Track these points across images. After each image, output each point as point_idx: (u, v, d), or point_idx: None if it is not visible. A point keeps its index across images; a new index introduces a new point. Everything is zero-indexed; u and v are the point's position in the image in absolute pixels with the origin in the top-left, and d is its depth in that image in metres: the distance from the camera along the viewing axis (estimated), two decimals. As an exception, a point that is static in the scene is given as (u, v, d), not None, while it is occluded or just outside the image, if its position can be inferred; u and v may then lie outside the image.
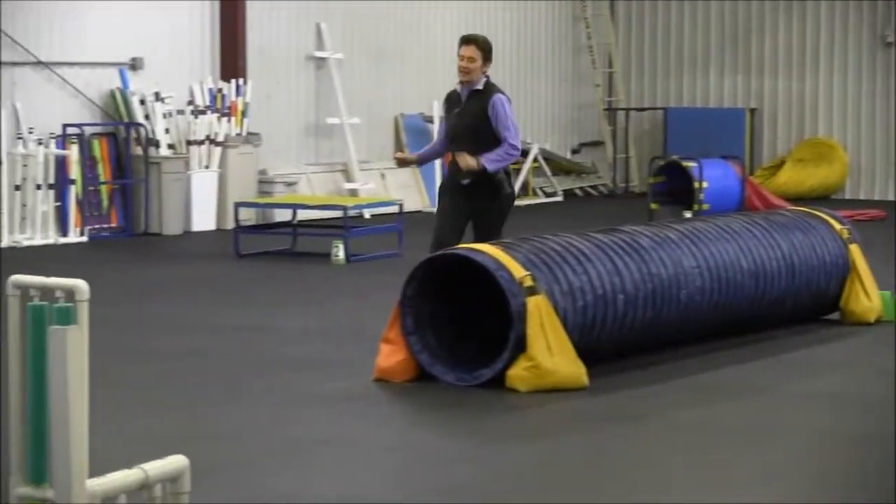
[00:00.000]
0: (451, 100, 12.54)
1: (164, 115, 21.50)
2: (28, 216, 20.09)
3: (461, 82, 12.33)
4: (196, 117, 21.77)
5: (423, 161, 13.24)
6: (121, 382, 10.91)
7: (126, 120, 21.36)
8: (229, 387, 10.99)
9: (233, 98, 22.32)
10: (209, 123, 21.91)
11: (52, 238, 20.20)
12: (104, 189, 21.17)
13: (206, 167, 21.90)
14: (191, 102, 21.88)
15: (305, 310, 14.77)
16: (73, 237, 20.48)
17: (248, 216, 21.16)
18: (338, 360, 11.81)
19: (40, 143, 20.17)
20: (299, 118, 24.13)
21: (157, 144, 21.40)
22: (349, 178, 24.41)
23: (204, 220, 21.82)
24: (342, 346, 12.28)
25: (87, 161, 20.93)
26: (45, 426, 7.42)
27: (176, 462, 4.04)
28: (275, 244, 19.36)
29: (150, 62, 21.81)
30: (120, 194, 21.33)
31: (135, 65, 21.70)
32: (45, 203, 20.21)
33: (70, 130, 20.74)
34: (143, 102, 21.41)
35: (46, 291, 7.46)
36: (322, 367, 11.58)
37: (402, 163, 13.45)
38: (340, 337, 12.60)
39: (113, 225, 21.19)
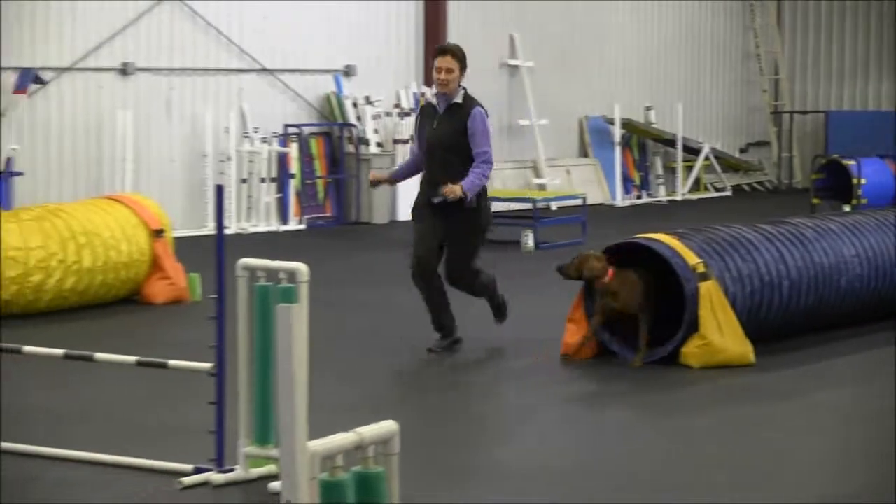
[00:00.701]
0: (427, 113, 11.07)
1: (374, 117, 21.65)
2: (253, 206, 20.36)
3: (438, 94, 10.91)
4: (401, 119, 21.88)
5: (397, 179, 11.69)
6: (336, 355, 11.01)
7: (340, 121, 21.54)
8: (429, 362, 11.03)
9: (434, 102, 22.42)
10: (413, 125, 22.02)
11: (274, 226, 20.45)
12: (320, 182, 21.37)
13: (412, 163, 22.01)
14: (397, 105, 22.01)
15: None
16: (293, 225, 20.71)
17: (448, 207, 21.21)
18: (528, 338, 11.79)
19: (264, 142, 20.45)
20: (493, 120, 24.14)
21: (366, 143, 21.56)
22: (538, 174, 24.40)
23: (408, 210, 21.88)
24: (532, 326, 12.26)
25: (306, 157, 21.16)
26: (270, 393, 7.54)
27: (387, 426, 4.07)
28: (471, 233, 19.37)
29: (361, 70, 21.97)
30: (334, 187, 21.51)
31: (348, 72, 21.86)
32: (268, 194, 20.48)
33: (290, 130, 20.98)
34: (355, 105, 21.58)
35: (271, 273, 7.58)
36: (513, 344, 11.58)
37: (374, 183, 11.50)
38: (529, 317, 12.59)
39: (328, 214, 21.37)
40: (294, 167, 20.83)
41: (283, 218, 20.74)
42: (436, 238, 10.87)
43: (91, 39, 18.98)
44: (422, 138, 11.02)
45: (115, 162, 19.06)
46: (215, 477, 7.61)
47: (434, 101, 10.98)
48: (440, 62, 10.73)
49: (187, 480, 7.58)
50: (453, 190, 10.60)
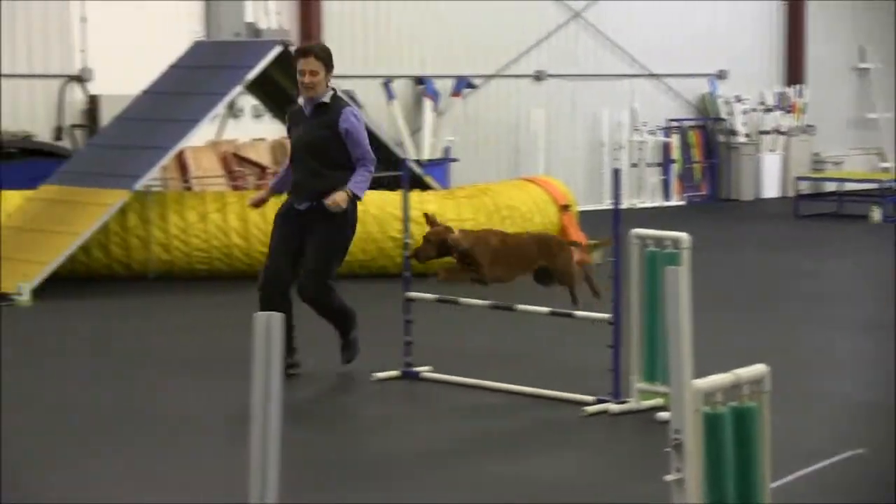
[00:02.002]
0: (294, 116, 8.51)
1: (743, 113, 21.27)
2: (641, 186, 20.32)
3: (304, 98, 8.40)
4: (766, 114, 21.45)
5: (278, 191, 8.71)
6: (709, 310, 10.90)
7: (713, 116, 21.25)
8: (787, 310, 10.79)
9: (794, 99, 21.87)
10: (775, 118, 21.53)
11: (659, 202, 20.36)
12: (697, 167, 21.12)
13: (772, 151, 21.52)
14: (762, 103, 21.55)
15: (845, 258, 14.39)
16: (674, 202, 20.56)
17: (804, 187, 20.65)
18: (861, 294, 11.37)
19: (651, 133, 20.40)
20: (845, 114, 23.39)
21: (735, 134, 21.20)
22: (882, 159, 23.50)
23: (770, 189, 21.45)
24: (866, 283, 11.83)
25: (684, 146, 20.96)
26: (656, 339, 7.51)
27: (758, 369, 3.99)
28: (825, 209, 18.86)
29: (733, 73, 21.59)
30: (708, 170, 21.23)
31: (721, 75, 21.52)
32: (653, 176, 20.43)
33: (672, 124, 20.84)
34: (726, 103, 21.25)
35: (658, 241, 7.53)
36: (845, 298, 11.18)
37: (257, 205, 8.84)
38: (869, 277, 12.14)
39: (703, 193, 21.10)
40: (675, 154, 20.72)
41: (666, 195, 20.63)
42: (291, 253, 8.36)
43: (511, 52, 19.24)
44: (293, 142, 8.50)
45: (529, 150, 19.31)
46: (613, 407, 7.63)
47: (301, 103, 8.48)
48: (303, 65, 8.28)
49: (590, 409, 7.63)
50: (335, 201, 8.14)
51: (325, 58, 8.32)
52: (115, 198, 11.88)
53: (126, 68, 15.13)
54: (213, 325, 10.56)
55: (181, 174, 15.50)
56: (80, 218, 11.79)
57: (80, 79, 15.60)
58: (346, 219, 8.26)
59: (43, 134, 15.21)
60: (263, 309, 7.76)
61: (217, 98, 12.65)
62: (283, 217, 8.44)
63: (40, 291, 11.21)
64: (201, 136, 14.60)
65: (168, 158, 12.80)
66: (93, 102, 15.59)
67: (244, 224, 12.57)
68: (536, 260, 8.37)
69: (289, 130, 8.57)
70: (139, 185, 12.05)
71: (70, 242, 11.67)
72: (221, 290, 12.03)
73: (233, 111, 16.54)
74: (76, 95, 15.64)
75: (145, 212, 12.44)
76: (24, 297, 11.09)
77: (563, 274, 8.39)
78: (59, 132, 15.41)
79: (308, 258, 8.27)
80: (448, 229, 8.31)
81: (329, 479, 6.47)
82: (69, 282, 11.96)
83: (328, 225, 8.23)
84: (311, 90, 8.29)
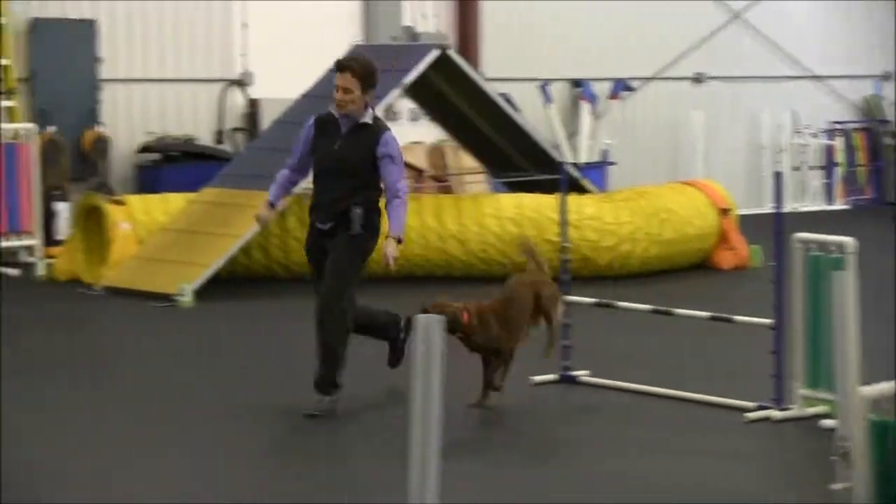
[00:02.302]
0: (327, 127, 7.79)
1: (910, 114, 20.86)
2: (804, 189, 19.98)
3: (340, 113, 7.72)
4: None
5: (275, 204, 8.12)
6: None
7: (878, 118, 20.80)
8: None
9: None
10: None
11: (821, 205, 20.00)
12: (861, 170, 20.70)
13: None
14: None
15: None
16: (837, 205, 20.18)
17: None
18: None
19: (813, 136, 20.04)
20: None
21: (902, 136, 20.78)
22: None
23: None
24: None
25: (849, 149, 20.55)
26: (820, 344, 7.36)
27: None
28: None
29: (897, 74, 21.18)
30: (873, 173, 20.78)
31: (886, 76, 21.05)
32: (815, 179, 20.07)
33: (835, 126, 20.44)
34: (892, 105, 20.81)
35: (822, 245, 7.38)
36: None
37: (263, 222, 8.20)
38: None
39: (867, 196, 20.67)
40: (839, 157, 20.32)
41: (829, 199, 20.26)
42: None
43: (670, 54, 19.05)
44: (320, 157, 7.79)
45: (688, 153, 19.10)
46: (775, 413, 7.50)
47: (336, 114, 7.78)
48: (338, 80, 7.64)
49: (751, 415, 7.51)
50: (390, 259, 7.53)
51: (364, 76, 7.63)
52: (275, 200, 12.02)
53: (285, 72, 15.35)
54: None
55: (339, 177, 15.65)
56: (241, 220, 11.97)
57: (241, 83, 15.87)
58: (364, 235, 7.64)
59: (204, 137, 15.51)
60: (319, 334, 7.65)
61: (374, 102, 12.74)
62: (313, 250, 7.81)
63: (201, 292, 11.42)
64: (359, 139, 14.73)
65: (326, 161, 12.92)
66: (253, 106, 15.84)
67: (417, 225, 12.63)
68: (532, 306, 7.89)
69: (314, 140, 7.77)
70: (299, 188, 12.18)
71: (231, 244, 11.85)
72: (377, 291, 12.11)
73: (390, 114, 16.67)
74: (237, 99, 15.91)
75: (304, 214, 12.57)
76: (186, 299, 11.30)
77: (547, 304, 7.88)
78: (220, 135, 15.69)
79: (326, 278, 7.62)
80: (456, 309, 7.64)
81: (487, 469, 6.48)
82: (229, 283, 12.16)
83: (348, 242, 7.63)
84: (342, 107, 7.64)
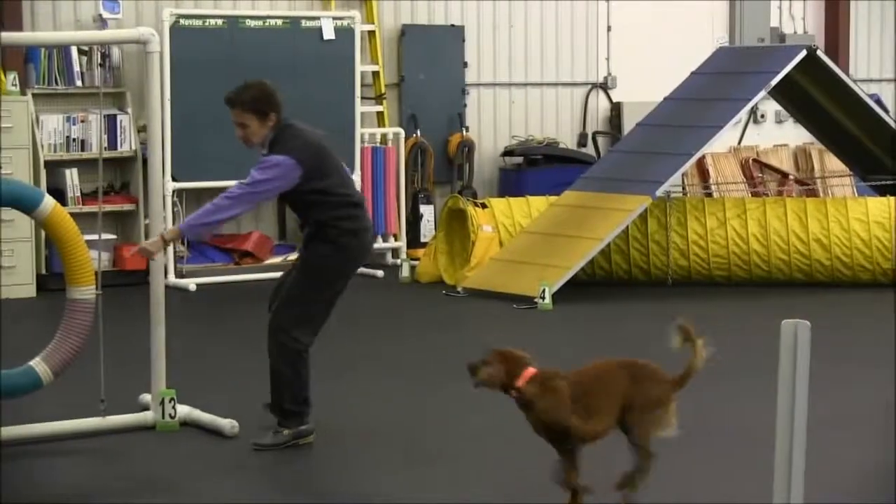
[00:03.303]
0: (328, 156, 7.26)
1: None
2: None
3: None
4: None
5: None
6: None
7: None
8: None
9: None
10: None
11: None
12: None
13: None
14: None
15: None
16: None
17: None
18: None
19: None
20: None
21: None
22: None
23: None
24: None
25: None
26: None
27: None
28: None
29: None
30: None
31: None
32: None
33: None
34: None
35: None
36: None
37: None
38: None
39: None
40: None
41: None
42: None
43: None
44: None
45: None
46: None
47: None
48: (231, 116, 7.09)
49: None
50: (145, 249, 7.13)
51: (255, 107, 7.00)
52: (637, 203, 12.03)
53: (648, 75, 15.34)
54: (730, 330, 10.51)
55: (702, 180, 15.54)
56: (602, 223, 12.02)
57: (604, 86, 15.94)
58: (324, 241, 7.08)
59: (566, 141, 15.65)
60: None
61: (740, 104, 12.60)
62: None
63: (560, 295, 11.52)
64: (723, 142, 14.58)
65: (689, 165, 12.86)
66: (616, 109, 15.89)
67: (764, 231, 12.43)
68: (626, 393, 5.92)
69: (319, 169, 7.02)
70: (660, 191, 12.16)
71: (591, 247, 11.92)
72: (739, 297, 11.94)
73: (754, 117, 16.41)
74: (600, 103, 15.99)
75: (665, 217, 12.55)
76: (546, 301, 11.42)
77: (644, 412, 5.86)
78: (582, 139, 15.80)
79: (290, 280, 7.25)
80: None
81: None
82: (588, 286, 12.23)
83: (308, 244, 7.21)
84: (246, 143, 7.11)
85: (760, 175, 15.83)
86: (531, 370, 5.85)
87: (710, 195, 14.60)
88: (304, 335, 7.09)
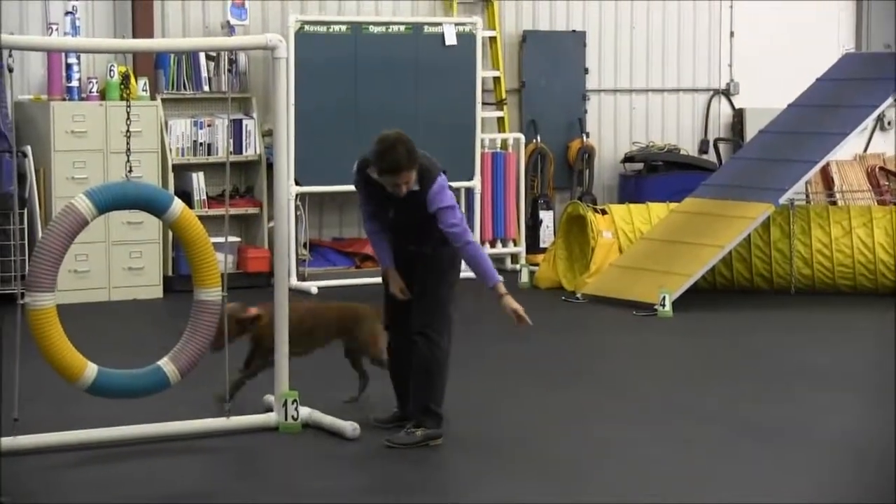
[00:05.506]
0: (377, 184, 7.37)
1: None
2: None
3: None
4: None
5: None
6: None
7: None
8: None
9: None
10: None
11: None
12: None
13: None
14: None
15: None
16: None
17: None
18: None
19: None
20: None
21: None
22: None
23: None
24: None
25: None
26: None
27: None
28: None
29: None
30: None
31: None
32: None
33: None
34: None
35: None
36: None
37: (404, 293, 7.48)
38: None
39: None
40: None
41: None
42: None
43: None
44: (381, 214, 7.55)
45: None
46: None
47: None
48: (398, 179, 7.21)
49: None
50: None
51: (414, 162, 7.20)
52: (759, 211, 11.93)
53: (771, 82, 15.20)
54: (855, 341, 10.40)
55: (826, 188, 15.35)
56: (724, 231, 11.94)
57: (727, 92, 15.82)
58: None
59: (687, 147, 15.55)
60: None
61: (866, 111, 12.43)
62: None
63: (680, 303, 11.45)
64: (848, 149, 14.39)
65: (813, 172, 12.71)
66: (738, 116, 15.75)
67: (891, 239, 12.25)
68: (334, 335, 8.15)
69: (374, 195, 7.46)
70: (784, 198, 12.05)
71: (713, 255, 11.84)
72: (865, 307, 11.77)
73: (881, 124, 16.16)
74: (722, 109, 15.87)
75: (788, 225, 12.42)
76: (666, 309, 11.36)
77: (364, 345, 8.09)
78: (703, 145, 15.69)
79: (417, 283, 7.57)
80: (244, 307, 7.91)
81: None
82: (709, 294, 12.15)
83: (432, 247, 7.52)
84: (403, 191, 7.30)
85: (887, 183, 15.58)
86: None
87: (834, 203, 14.42)
88: (447, 336, 7.39)
